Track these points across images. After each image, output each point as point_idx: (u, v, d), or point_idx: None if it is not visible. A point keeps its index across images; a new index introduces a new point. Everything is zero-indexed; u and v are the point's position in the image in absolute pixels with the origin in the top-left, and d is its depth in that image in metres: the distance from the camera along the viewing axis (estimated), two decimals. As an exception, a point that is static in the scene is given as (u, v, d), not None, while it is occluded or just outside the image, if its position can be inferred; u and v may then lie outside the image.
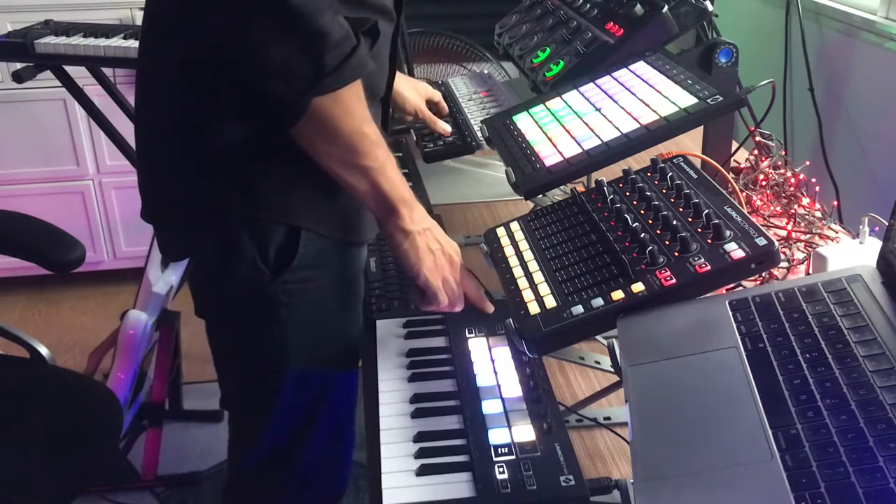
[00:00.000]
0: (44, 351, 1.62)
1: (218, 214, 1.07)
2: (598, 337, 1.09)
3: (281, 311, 1.09)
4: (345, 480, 1.32)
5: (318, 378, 1.18)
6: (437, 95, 1.68)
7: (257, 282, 1.08)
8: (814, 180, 1.46)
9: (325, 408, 1.20)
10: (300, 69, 0.91)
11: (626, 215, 0.99)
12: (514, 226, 1.12)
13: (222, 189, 1.05)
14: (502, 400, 0.93)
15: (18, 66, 2.09)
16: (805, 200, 1.42)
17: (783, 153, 1.51)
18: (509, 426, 0.89)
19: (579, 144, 1.18)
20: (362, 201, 1.06)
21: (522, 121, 1.33)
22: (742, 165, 1.52)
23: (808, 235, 1.32)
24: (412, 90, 1.62)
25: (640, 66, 1.31)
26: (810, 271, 1.16)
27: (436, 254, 1.07)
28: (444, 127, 1.62)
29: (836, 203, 1.55)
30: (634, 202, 1.03)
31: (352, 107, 0.97)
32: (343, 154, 1.00)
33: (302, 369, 1.16)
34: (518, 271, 1.02)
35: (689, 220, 0.95)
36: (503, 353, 1.01)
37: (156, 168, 1.12)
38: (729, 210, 0.94)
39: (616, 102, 1.24)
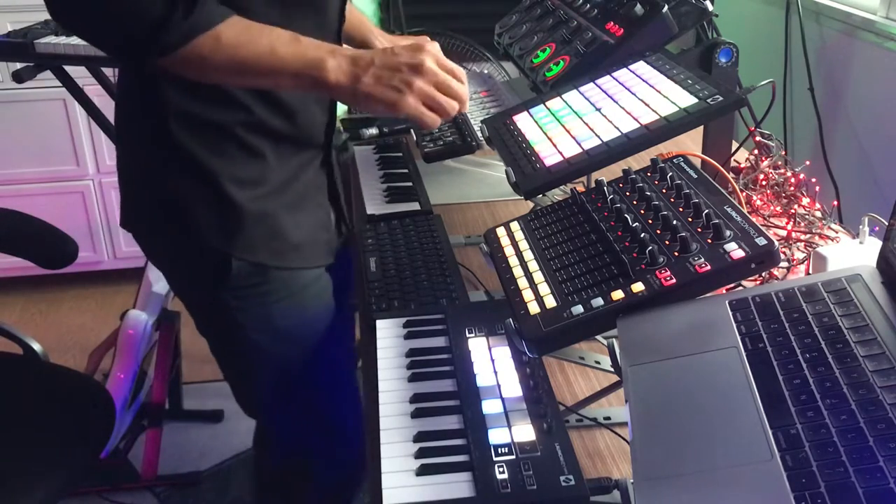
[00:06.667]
0: (36, 347, 1.62)
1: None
2: (598, 337, 1.09)
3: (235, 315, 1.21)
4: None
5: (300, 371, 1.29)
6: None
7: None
8: (814, 180, 1.46)
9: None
10: (131, 29, 0.95)
11: (626, 215, 0.99)
12: (514, 226, 1.12)
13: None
14: (502, 400, 0.93)
15: (18, 66, 2.09)
16: (805, 200, 1.42)
17: (783, 153, 1.51)
18: (509, 426, 0.89)
19: (579, 144, 1.18)
20: (293, 90, 1.08)
21: (522, 121, 1.33)
22: (742, 165, 1.52)
23: (808, 235, 1.32)
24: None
25: (640, 66, 1.31)
26: (810, 271, 1.16)
27: (395, 83, 1.01)
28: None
29: (836, 203, 1.54)
30: (634, 202, 1.03)
31: (216, 47, 0.97)
32: (241, 75, 1.01)
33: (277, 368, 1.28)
34: (518, 271, 1.02)
35: (689, 219, 0.95)
36: (503, 353, 1.01)
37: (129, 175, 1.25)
38: (729, 210, 0.94)
39: (616, 102, 1.24)
